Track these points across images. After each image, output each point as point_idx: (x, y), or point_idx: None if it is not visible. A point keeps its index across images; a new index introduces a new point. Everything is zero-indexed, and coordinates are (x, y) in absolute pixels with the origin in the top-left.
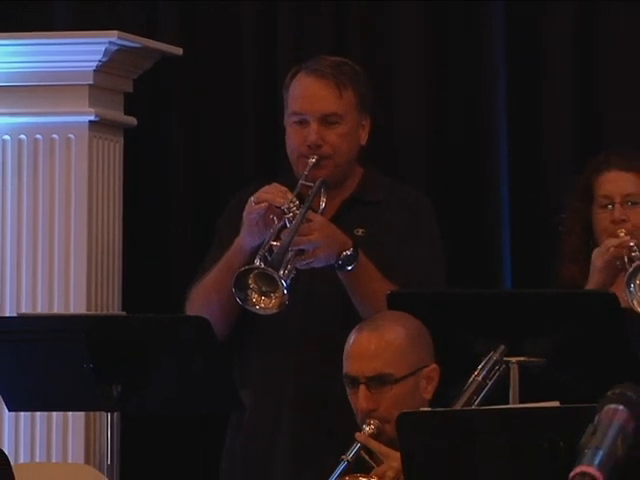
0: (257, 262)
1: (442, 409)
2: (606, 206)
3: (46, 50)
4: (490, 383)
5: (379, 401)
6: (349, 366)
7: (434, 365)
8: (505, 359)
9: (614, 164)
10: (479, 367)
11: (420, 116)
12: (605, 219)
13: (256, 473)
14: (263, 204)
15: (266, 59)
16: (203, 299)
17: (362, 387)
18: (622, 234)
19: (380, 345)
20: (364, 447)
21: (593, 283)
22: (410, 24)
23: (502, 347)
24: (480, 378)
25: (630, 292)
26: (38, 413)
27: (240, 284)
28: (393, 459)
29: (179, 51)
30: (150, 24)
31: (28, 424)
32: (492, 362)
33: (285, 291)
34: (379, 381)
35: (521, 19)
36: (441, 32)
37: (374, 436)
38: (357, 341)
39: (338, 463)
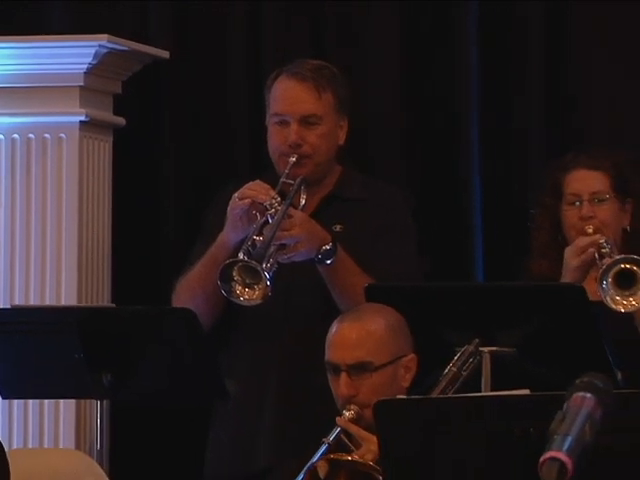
0: (241, 255)
1: (417, 397)
2: (574, 203)
3: (39, 53)
4: (465, 374)
5: (359, 388)
6: (331, 354)
7: (412, 355)
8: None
9: (582, 163)
10: (455, 358)
11: (395, 115)
12: (573, 216)
13: (241, 460)
14: (246, 200)
15: (250, 62)
16: (189, 292)
17: (343, 374)
18: (590, 230)
19: (361, 335)
20: (344, 431)
21: (568, 281)
22: (385, 25)
23: (477, 340)
24: (456, 369)
25: (603, 289)
26: (31, 401)
27: (225, 276)
28: (371, 443)
29: (166, 54)
30: (141, 28)
31: (21, 411)
32: (467, 354)
33: (268, 283)
34: (359, 369)
35: (493, 19)
36: (415, 32)
37: (354, 421)
38: (339, 330)
39: (319, 446)
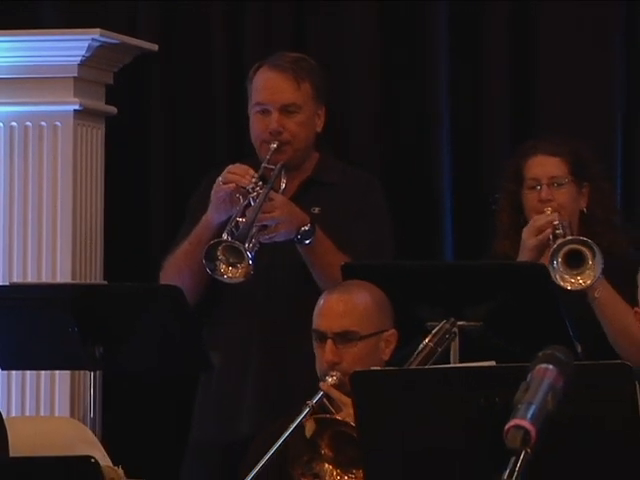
0: (225, 236)
1: (391, 368)
2: (534, 187)
3: (35, 46)
4: (440, 349)
5: (343, 355)
6: (319, 322)
7: (393, 330)
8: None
9: (541, 149)
10: (431, 334)
11: (371, 105)
12: (533, 199)
13: (224, 427)
14: (230, 184)
15: (233, 54)
16: (175, 269)
17: (329, 341)
18: (548, 212)
19: (348, 306)
20: (326, 395)
21: (524, 259)
22: (363, 23)
23: (452, 318)
24: (432, 344)
25: (553, 267)
26: (28, 372)
27: (210, 256)
28: (351, 407)
29: (155, 47)
30: (131, 23)
31: (19, 382)
32: (443, 331)
33: (250, 262)
34: (345, 337)
35: (462, 19)
36: (391, 30)
37: (336, 386)
38: (328, 301)
39: (302, 409)
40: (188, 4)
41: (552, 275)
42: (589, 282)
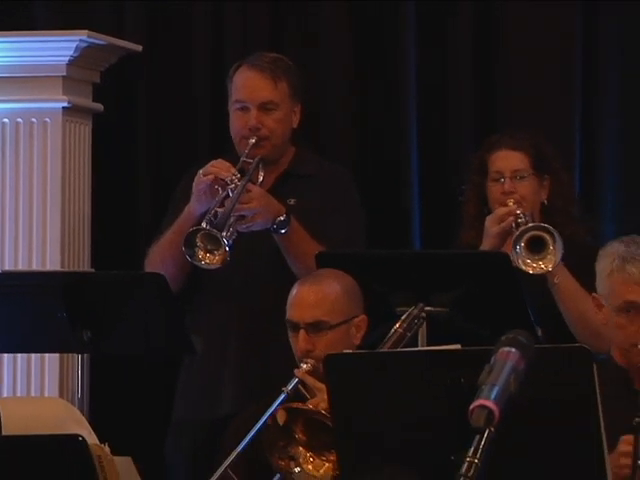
0: (204, 224)
1: (362, 351)
2: (498, 180)
3: (26, 47)
4: (410, 334)
5: (316, 343)
6: (291, 313)
7: (363, 316)
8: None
9: (504, 144)
10: (401, 319)
11: (344, 103)
12: (497, 191)
13: (206, 406)
14: (210, 176)
15: (214, 54)
16: (159, 257)
17: (302, 331)
18: (511, 203)
19: (319, 296)
20: (301, 382)
21: (487, 247)
22: (337, 23)
23: (421, 304)
24: (402, 330)
25: (516, 252)
26: (19, 355)
27: (189, 242)
28: (325, 393)
29: (139, 48)
30: (117, 25)
31: (10, 364)
32: (412, 316)
33: (227, 249)
34: (316, 327)
35: (428, 19)
36: (362, 30)
37: (310, 373)
38: (299, 292)
39: (279, 394)
40: (171, 7)
41: (515, 260)
42: (550, 266)
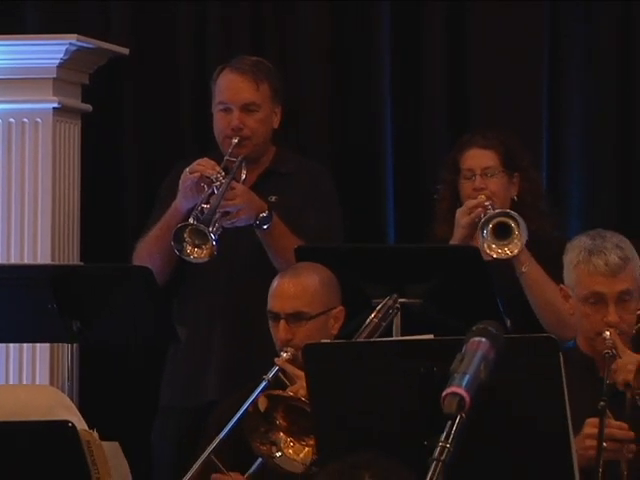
0: (191, 220)
1: (339, 341)
2: (469, 177)
3: (18, 50)
4: (384, 324)
5: (295, 333)
6: (272, 304)
7: (341, 307)
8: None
9: (475, 143)
10: (376, 310)
11: (323, 103)
12: (468, 187)
13: (190, 393)
14: (196, 174)
15: (198, 57)
16: (146, 251)
17: (282, 321)
18: (482, 197)
19: (298, 288)
20: (281, 370)
21: (457, 237)
22: (315, 24)
23: (395, 295)
24: (377, 320)
25: (482, 237)
26: (12, 345)
27: (177, 238)
28: (304, 380)
29: (126, 51)
30: (104, 29)
31: (3, 353)
32: (387, 307)
33: (214, 243)
34: (296, 317)
35: (403, 19)
36: (340, 30)
37: (290, 361)
38: (280, 284)
39: (260, 382)
40: (156, 12)
41: (481, 245)
42: (516, 251)
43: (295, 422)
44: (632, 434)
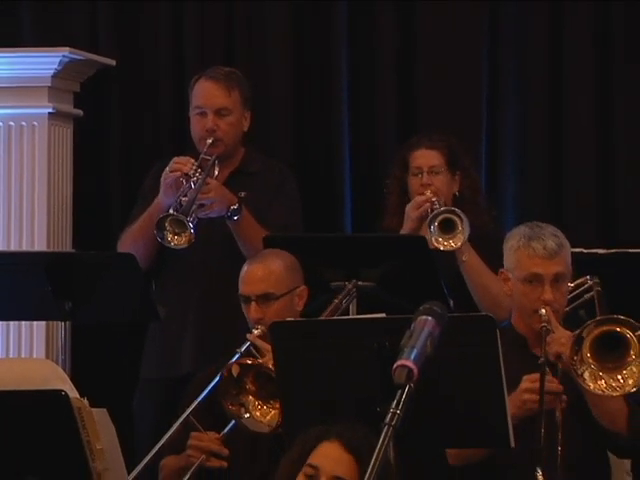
0: (172, 211)
1: (303, 319)
2: (417, 175)
3: (17, 61)
4: (344, 305)
5: (265, 312)
6: (243, 288)
7: (304, 287)
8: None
9: (423, 144)
10: (337, 291)
11: (285, 106)
12: (416, 183)
13: (168, 366)
14: (176, 173)
15: (176, 70)
16: (131, 240)
17: (253, 303)
18: (429, 193)
19: (265, 272)
20: (252, 344)
21: (407, 228)
22: (279, 26)
23: (355, 280)
24: (338, 301)
25: (430, 231)
26: (11, 322)
27: (160, 226)
28: (271, 353)
29: (113, 62)
30: (94, 41)
31: (3, 330)
32: (347, 290)
33: (192, 232)
34: (265, 298)
35: (358, 19)
36: (302, 31)
37: (260, 337)
38: (248, 270)
39: (233, 355)
40: (140, 28)
41: (429, 239)
42: (459, 244)
43: (263, 387)
44: (561, 387)
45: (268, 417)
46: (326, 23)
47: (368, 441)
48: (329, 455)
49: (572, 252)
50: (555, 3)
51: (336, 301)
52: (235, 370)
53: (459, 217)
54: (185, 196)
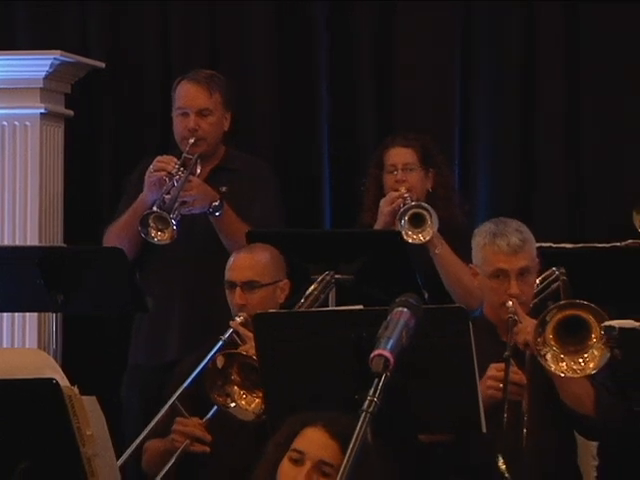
0: (155, 208)
1: (284, 310)
2: (392, 172)
3: (10, 63)
4: (322, 296)
5: (248, 300)
6: (229, 274)
7: (286, 281)
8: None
9: (398, 142)
10: (316, 283)
11: (268, 105)
12: (391, 180)
13: (154, 354)
14: (160, 172)
15: (161, 73)
16: (116, 235)
17: (238, 289)
18: (403, 189)
19: (252, 262)
20: (235, 331)
21: (381, 223)
22: (261, 28)
23: (332, 272)
24: (316, 292)
25: (401, 225)
26: (5, 314)
27: (144, 223)
28: (254, 340)
29: (102, 65)
30: (84, 45)
31: None
32: (325, 282)
33: (174, 228)
34: (250, 285)
35: (336, 20)
36: (282, 33)
37: (243, 324)
38: (236, 258)
39: (216, 342)
40: (128, 32)
41: (401, 232)
42: (428, 237)
43: (247, 377)
44: (525, 379)
45: (253, 405)
46: (307, 23)
47: (352, 428)
48: (314, 440)
49: (541, 246)
50: (527, 2)
51: (315, 292)
52: (220, 362)
53: (428, 212)
54: (168, 194)
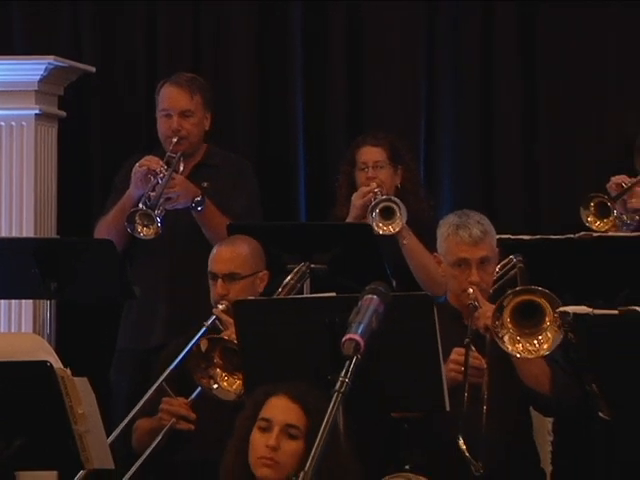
0: (141, 205)
1: (262, 297)
2: (363, 169)
3: (6, 67)
4: (299, 285)
5: (229, 289)
6: (212, 266)
7: (266, 271)
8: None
9: (368, 141)
10: (292, 273)
11: (248, 105)
12: (362, 177)
13: (141, 339)
14: (144, 168)
15: (147, 77)
16: (105, 228)
17: (219, 280)
18: (373, 185)
19: (233, 254)
20: (218, 318)
21: (352, 216)
22: (244, 31)
23: (308, 262)
24: (293, 282)
25: (372, 218)
26: (2, 301)
27: (130, 219)
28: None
29: (93, 69)
30: (76, 50)
31: None
32: (301, 272)
33: (159, 224)
34: (231, 277)
35: (311, 21)
36: (263, 35)
37: (224, 311)
38: (218, 250)
39: (200, 328)
40: (118, 39)
41: (371, 224)
42: (397, 229)
43: (229, 360)
44: (484, 363)
45: (234, 386)
46: (282, 23)
47: (311, 392)
48: (278, 406)
49: (501, 237)
50: (486, 3)
51: (291, 281)
52: (204, 346)
53: (397, 205)
54: (153, 191)
